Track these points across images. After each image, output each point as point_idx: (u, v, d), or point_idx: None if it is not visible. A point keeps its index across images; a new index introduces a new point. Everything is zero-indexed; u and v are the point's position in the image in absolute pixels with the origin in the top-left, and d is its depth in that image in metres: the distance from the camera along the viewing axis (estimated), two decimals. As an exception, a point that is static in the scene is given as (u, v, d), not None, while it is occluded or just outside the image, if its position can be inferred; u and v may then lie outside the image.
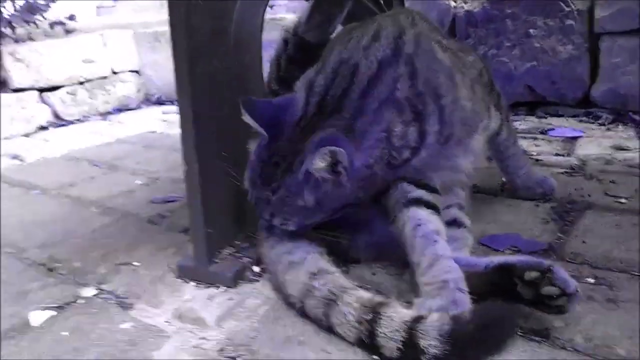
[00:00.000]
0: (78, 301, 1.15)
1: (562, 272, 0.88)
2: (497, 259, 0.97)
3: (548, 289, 0.87)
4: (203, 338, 0.97)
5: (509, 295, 0.90)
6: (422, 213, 1.05)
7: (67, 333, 1.03)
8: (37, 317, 1.09)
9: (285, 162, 0.99)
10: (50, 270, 1.31)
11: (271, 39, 2.94)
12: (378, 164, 1.01)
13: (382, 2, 1.77)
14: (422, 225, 1.03)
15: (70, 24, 4.00)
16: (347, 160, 0.94)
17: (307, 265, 1.01)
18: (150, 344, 0.97)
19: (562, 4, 2.25)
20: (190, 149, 1.09)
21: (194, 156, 1.09)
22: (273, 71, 1.31)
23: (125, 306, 1.11)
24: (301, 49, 1.17)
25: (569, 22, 2.24)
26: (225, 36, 1.13)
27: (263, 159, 1.01)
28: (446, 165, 1.13)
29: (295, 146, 0.98)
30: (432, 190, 1.10)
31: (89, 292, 1.18)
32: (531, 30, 2.33)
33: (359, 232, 1.15)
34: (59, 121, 3.21)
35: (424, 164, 1.06)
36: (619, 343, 0.84)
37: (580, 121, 2.23)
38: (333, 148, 0.91)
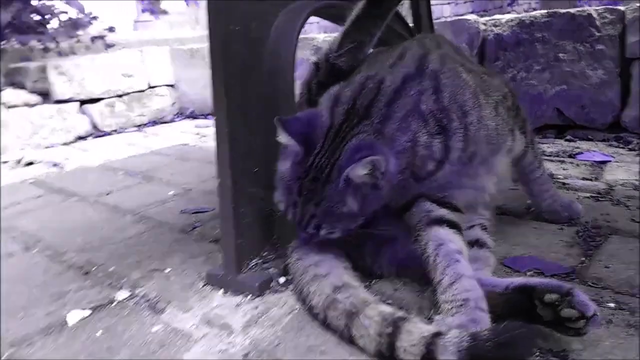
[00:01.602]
0: (112, 304, 1.21)
1: (582, 295, 0.89)
2: (518, 280, 0.99)
3: (567, 312, 0.88)
4: (229, 343, 1.02)
5: (528, 316, 0.92)
6: (444, 232, 1.08)
7: (100, 333, 1.09)
8: (74, 317, 1.16)
9: (323, 174, 1.02)
10: (87, 273, 1.38)
11: (302, 56, 3.02)
12: (408, 168, 1.05)
13: (411, 27, 1.82)
14: (444, 244, 1.05)
15: (110, 37, 4.19)
16: (384, 164, 0.98)
17: (332, 279, 1.05)
18: (179, 346, 1.02)
19: (592, 29, 2.25)
20: (224, 167, 1.15)
21: (227, 173, 1.15)
22: (304, 95, 1.36)
23: (156, 310, 1.16)
24: (332, 74, 1.21)
25: (600, 46, 2.25)
26: (260, 62, 1.19)
27: (299, 175, 1.05)
28: (469, 184, 1.15)
29: (331, 156, 1.02)
30: (455, 209, 1.12)
31: (122, 295, 1.24)
32: (561, 55, 2.34)
33: (383, 248, 1.18)
34: (97, 132, 3.34)
35: (447, 181, 1.09)
36: (637, 368, 0.85)
37: (610, 146, 2.22)
38: (374, 158, 0.96)
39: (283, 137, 1.06)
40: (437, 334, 0.86)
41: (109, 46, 4.16)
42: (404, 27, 1.76)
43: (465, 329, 0.89)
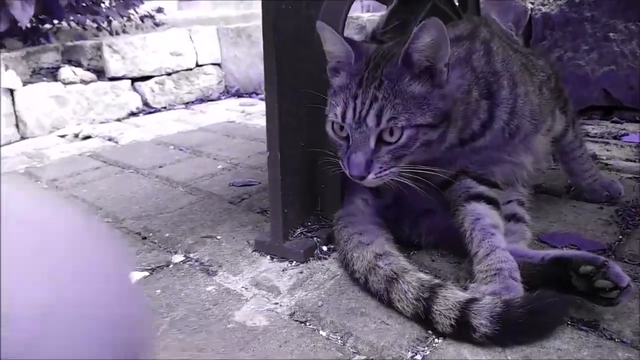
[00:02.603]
0: (169, 266, 1.31)
1: (616, 267, 0.93)
2: (553, 252, 1.03)
3: (602, 282, 0.92)
4: (276, 304, 1.10)
5: (563, 286, 0.96)
6: (482, 207, 1.12)
7: (159, 291, 1.19)
8: (134, 277, 1.27)
9: (386, 58, 1.02)
10: (145, 238, 1.49)
11: (347, 34, 3.05)
12: (464, 96, 1.05)
13: (458, 6, 1.83)
14: (481, 219, 1.10)
15: (158, 17, 4.32)
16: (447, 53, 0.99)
17: (374, 247, 1.12)
18: (231, 305, 1.11)
19: (646, 7, 2.20)
20: (274, 139, 1.23)
21: (276, 145, 1.23)
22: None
23: (209, 272, 1.26)
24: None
25: (653, 26, 2.19)
26: (310, 39, 1.25)
27: (357, 71, 1.03)
28: (508, 160, 1.19)
29: (393, 49, 1.04)
30: (493, 185, 1.17)
31: (178, 258, 1.35)
32: (611, 34, 2.29)
33: (421, 218, 1.24)
34: (148, 108, 3.49)
35: (487, 156, 1.13)
36: (666, 338, 0.88)
37: (658, 128, 2.17)
38: (435, 20, 0.95)
39: (332, 44, 1.06)
40: (472, 300, 0.92)
41: (157, 25, 4.29)
42: (450, 7, 1.77)
43: (498, 295, 0.94)
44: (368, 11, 3.45)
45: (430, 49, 0.98)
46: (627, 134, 2.09)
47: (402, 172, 1.04)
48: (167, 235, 1.49)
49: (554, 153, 1.45)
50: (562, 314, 0.92)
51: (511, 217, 1.21)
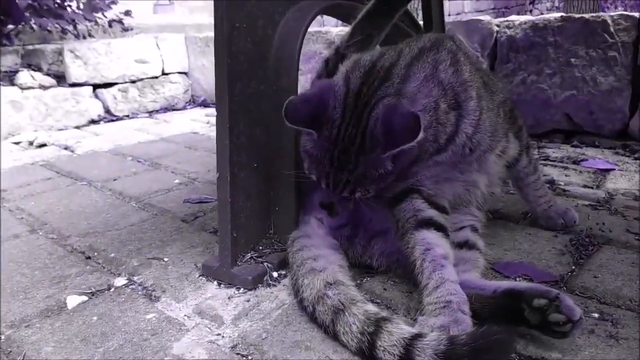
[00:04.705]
0: (110, 290, 1.25)
1: (568, 300, 0.92)
2: (505, 283, 1.01)
3: (555, 316, 0.91)
4: (219, 335, 1.05)
5: (515, 319, 0.94)
6: (432, 236, 1.10)
7: (96, 318, 1.13)
8: (72, 301, 1.20)
9: (354, 145, 1.01)
10: (89, 258, 1.42)
11: (316, 49, 3.02)
12: (432, 112, 1.05)
13: (422, 26, 1.83)
14: (431, 249, 1.07)
15: (127, 21, 4.23)
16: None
17: (326, 275, 1.08)
18: (171, 335, 1.05)
19: (606, 35, 2.23)
20: (223, 161, 1.18)
21: (226, 166, 1.18)
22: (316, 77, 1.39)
23: (151, 298, 1.20)
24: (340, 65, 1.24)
25: (612, 53, 2.23)
26: (265, 59, 1.21)
27: (327, 148, 1.03)
28: (461, 178, 1.18)
29: (357, 125, 1.01)
30: (442, 210, 1.15)
31: (120, 282, 1.28)
32: (573, 60, 2.32)
33: (374, 239, 1.21)
34: (109, 116, 3.40)
35: (441, 172, 1.11)
36: (612, 379, 0.86)
37: (616, 153, 2.21)
38: (417, 115, 0.95)
39: (290, 125, 1.06)
40: (417, 336, 0.89)
41: (126, 30, 4.20)
42: (413, 26, 1.77)
43: (446, 329, 0.91)
44: (336, 26, 3.44)
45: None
46: (587, 159, 2.11)
47: None
48: (112, 255, 1.42)
49: (509, 179, 1.44)
50: (510, 351, 0.90)
51: (464, 244, 1.19)
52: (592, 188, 1.80)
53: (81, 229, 1.61)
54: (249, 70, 1.19)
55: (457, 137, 1.08)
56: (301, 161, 1.27)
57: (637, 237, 1.38)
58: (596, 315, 1.04)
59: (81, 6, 4.01)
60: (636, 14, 2.21)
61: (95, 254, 1.44)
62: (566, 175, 1.94)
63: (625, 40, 2.20)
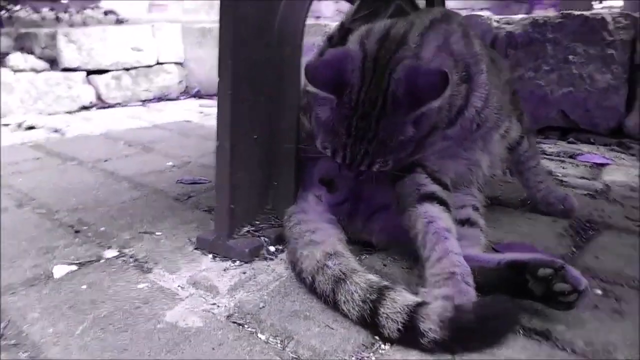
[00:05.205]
0: (100, 261, 1.20)
1: (573, 270, 0.90)
2: (509, 255, 0.99)
3: (560, 286, 0.89)
4: (214, 304, 1.01)
5: (518, 291, 0.92)
6: (435, 209, 1.07)
7: (85, 287, 1.09)
8: (60, 271, 1.16)
9: (375, 108, 0.97)
10: (77, 231, 1.37)
11: (314, 41, 3.00)
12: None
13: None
14: (434, 222, 1.05)
15: (122, 15, 4.19)
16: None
17: (325, 246, 1.05)
18: (163, 304, 1.02)
19: (605, 33, 2.24)
20: (224, 128, 1.15)
21: (226, 135, 1.15)
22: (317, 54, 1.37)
23: (143, 269, 1.16)
24: (346, 39, 1.22)
25: (610, 51, 2.23)
26: (269, 28, 1.18)
27: (346, 115, 0.99)
28: (464, 156, 1.16)
29: (378, 88, 0.97)
30: (445, 186, 1.13)
31: (111, 253, 1.24)
32: (571, 57, 2.33)
33: (375, 214, 1.18)
34: (101, 103, 3.34)
35: (446, 148, 1.08)
36: (618, 350, 0.84)
37: (611, 150, 2.21)
38: (446, 72, 0.92)
39: (310, 87, 1.01)
40: (421, 304, 0.86)
41: (120, 22, 4.16)
42: (413, 8, 1.76)
43: (451, 299, 0.89)
44: (333, 20, 3.43)
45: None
46: (583, 154, 2.11)
47: None
48: (102, 229, 1.38)
49: (510, 164, 1.43)
50: (515, 321, 0.87)
51: (465, 222, 1.17)
52: (589, 180, 1.79)
53: (70, 204, 1.57)
54: (254, 37, 1.16)
55: (466, 110, 1.07)
56: (304, 136, 1.25)
57: (635, 224, 1.37)
58: (599, 292, 1.02)
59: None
60: (636, 13, 2.22)
61: (85, 227, 1.40)
62: (563, 168, 1.93)
63: (624, 38, 2.21)
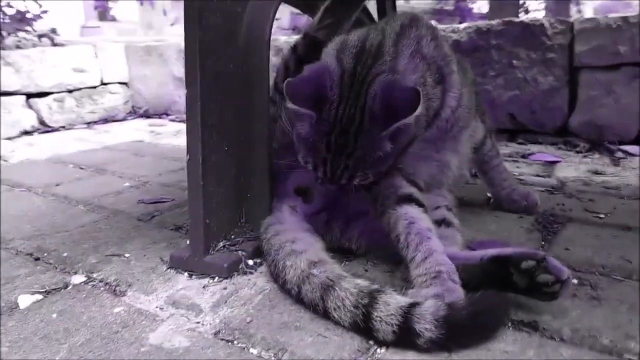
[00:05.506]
0: (68, 287, 1.14)
1: (555, 261, 0.93)
2: (491, 251, 1.01)
3: (544, 277, 0.91)
4: (198, 322, 0.97)
5: (502, 285, 0.94)
6: (414, 211, 1.09)
7: (55, 315, 1.02)
8: (25, 301, 1.08)
9: (354, 124, 0.98)
10: (37, 259, 1.29)
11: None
12: (422, 88, 1.02)
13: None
14: (415, 222, 1.06)
15: (57, 38, 4.02)
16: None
17: (309, 254, 1.04)
18: (144, 326, 0.97)
19: (544, 38, 2.37)
20: (194, 140, 1.12)
21: (197, 147, 1.12)
22: (280, 74, 1.36)
23: (116, 293, 1.10)
24: (311, 48, 1.22)
25: (551, 55, 2.36)
26: (235, 37, 1.17)
27: (325, 131, 0.99)
28: (436, 158, 1.18)
29: (356, 104, 0.98)
30: (419, 189, 1.15)
31: (78, 279, 1.17)
32: (514, 61, 2.44)
33: (353, 222, 1.18)
34: (44, 127, 3.19)
35: (420, 150, 1.10)
36: (603, 334, 0.88)
37: (559, 149, 2.32)
38: (418, 90, 0.93)
39: (291, 105, 1.00)
40: (415, 304, 0.86)
41: (55, 45, 3.98)
42: (369, 19, 1.80)
43: (441, 298, 0.89)
44: (286, 36, 3.45)
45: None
46: (534, 154, 2.21)
47: None
48: (65, 254, 1.30)
49: (474, 164, 1.47)
50: (506, 314, 0.89)
51: (442, 222, 1.19)
52: (543, 177, 1.88)
53: (25, 231, 1.47)
54: (220, 46, 1.14)
55: (442, 111, 1.09)
56: (276, 147, 1.24)
57: (595, 215, 1.45)
58: (575, 281, 1.06)
59: (7, 19, 3.77)
60: (570, 19, 2.36)
61: (45, 254, 1.31)
62: (517, 167, 2.01)
63: (562, 42, 2.34)
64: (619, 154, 2.15)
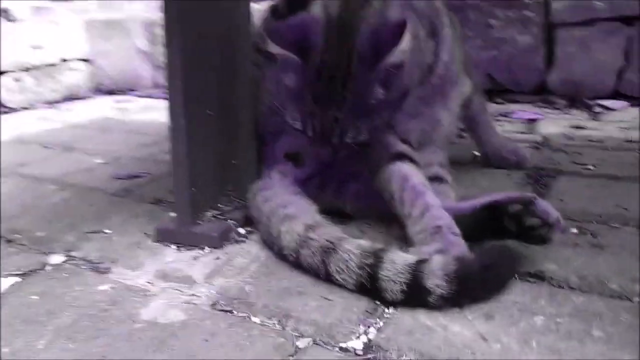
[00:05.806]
0: (46, 268, 1.06)
1: (543, 204, 0.92)
2: (483, 199, 0.99)
3: (531, 221, 0.91)
4: (192, 295, 0.92)
5: (498, 231, 0.93)
6: (408, 167, 1.06)
7: (36, 297, 0.95)
8: (1, 284, 1.01)
9: (341, 69, 0.93)
10: (10, 241, 1.20)
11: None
12: (414, 42, 0.98)
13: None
14: (409, 179, 1.03)
15: (12, 15, 3.78)
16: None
17: (303, 218, 0.99)
18: (135, 302, 0.91)
19: (520, -5, 2.34)
20: (177, 106, 1.04)
21: (180, 112, 1.04)
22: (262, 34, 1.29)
23: (100, 270, 1.04)
24: (294, 8, 1.15)
25: (527, 13, 2.34)
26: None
27: (311, 80, 0.95)
28: (427, 114, 1.14)
29: (343, 48, 0.93)
30: (411, 146, 1.11)
31: (57, 259, 1.10)
32: (492, 21, 2.41)
33: (347, 184, 1.14)
34: (3, 108, 3.01)
35: (411, 107, 1.06)
36: (610, 280, 0.86)
37: (538, 107, 2.32)
38: (408, 25, 0.88)
39: (274, 49, 0.95)
40: (423, 261, 0.83)
41: (11, 21, 3.75)
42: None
43: (445, 253, 0.87)
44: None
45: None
46: (515, 112, 2.20)
47: None
48: (39, 234, 1.22)
49: (462, 121, 1.44)
50: (514, 266, 0.87)
51: (434, 179, 1.16)
52: (527, 134, 1.87)
53: (-7, 214, 1.38)
54: (201, 5, 1.06)
55: (436, 66, 1.05)
56: (263, 110, 1.17)
57: (583, 167, 1.44)
58: (575, 230, 1.05)
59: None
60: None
61: (16, 235, 1.23)
62: (500, 126, 1.99)
63: (538, 0, 2.32)
64: (597, 109, 2.17)
